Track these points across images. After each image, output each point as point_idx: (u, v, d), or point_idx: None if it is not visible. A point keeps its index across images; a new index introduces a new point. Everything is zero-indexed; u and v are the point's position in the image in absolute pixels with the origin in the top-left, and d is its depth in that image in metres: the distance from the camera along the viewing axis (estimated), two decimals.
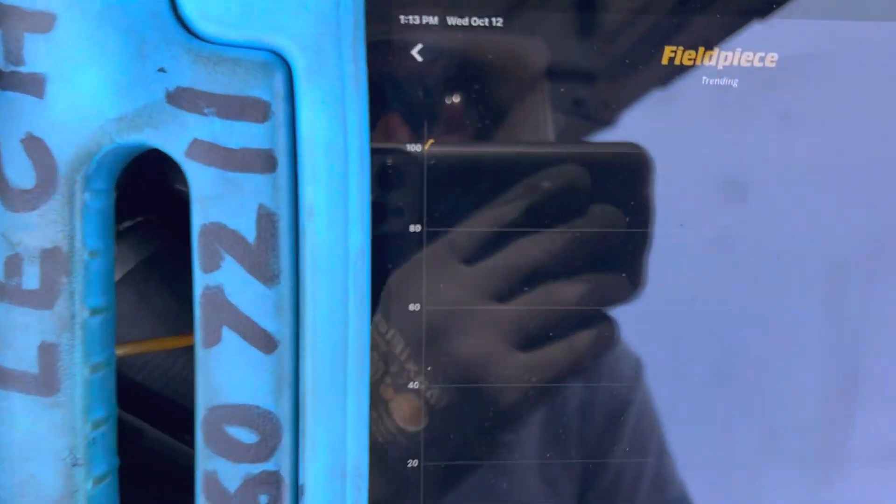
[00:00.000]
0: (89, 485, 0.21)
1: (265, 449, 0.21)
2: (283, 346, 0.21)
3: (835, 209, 0.23)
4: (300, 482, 0.21)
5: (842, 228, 0.23)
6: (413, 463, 0.23)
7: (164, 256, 0.34)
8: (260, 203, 0.20)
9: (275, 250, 0.20)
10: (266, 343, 0.21)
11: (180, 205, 0.30)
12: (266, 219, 0.20)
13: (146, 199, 0.34)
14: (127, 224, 0.34)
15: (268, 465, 0.21)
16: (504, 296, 0.22)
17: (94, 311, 0.21)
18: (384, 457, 0.23)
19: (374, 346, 0.22)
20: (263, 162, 0.20)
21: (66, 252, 0.20)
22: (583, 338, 0.23)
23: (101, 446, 0.21)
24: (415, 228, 0.22)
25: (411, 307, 0.22)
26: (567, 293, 0.22)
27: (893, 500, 0.25)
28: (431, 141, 0.22)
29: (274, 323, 0.20)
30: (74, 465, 0.21)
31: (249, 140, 0.20)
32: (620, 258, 0.23)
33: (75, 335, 0.20)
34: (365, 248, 0.20)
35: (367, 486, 0.22)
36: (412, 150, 0.22)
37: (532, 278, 0.22)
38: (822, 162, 0.23)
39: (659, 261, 0.23)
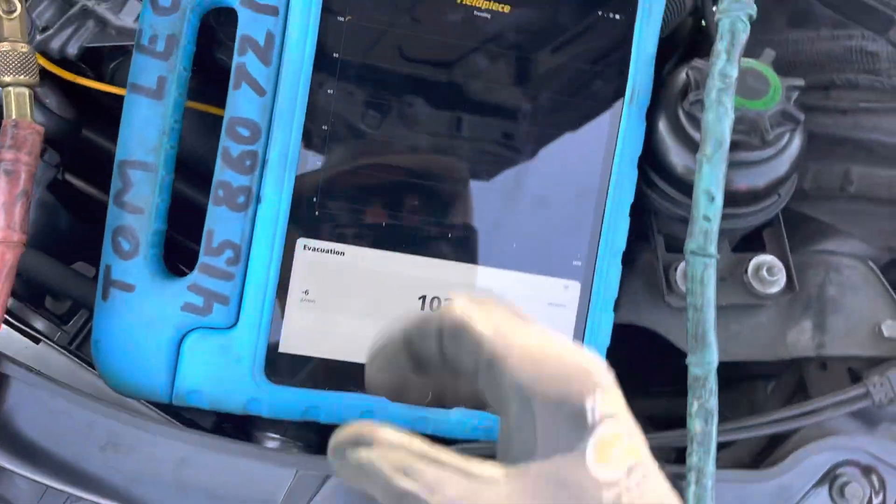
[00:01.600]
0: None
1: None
2: (268, 95, 0.45)
3: None
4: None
5: None
6: None
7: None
8: (268, 29, 0.45)
9: (270, 51, 0.45)
10: (262, 91, 0.45)
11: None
12: (269, 36, 0.45)
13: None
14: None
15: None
16: None
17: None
18: None
19: None
20: (273, 10, 0.45)
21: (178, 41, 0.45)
22: None
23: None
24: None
25: None
26: None
27: None
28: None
29: (266, 82, 0.45)
30: None
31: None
32: None
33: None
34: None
35: None
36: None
37: None
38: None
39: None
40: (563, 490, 0.27)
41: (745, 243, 0.53)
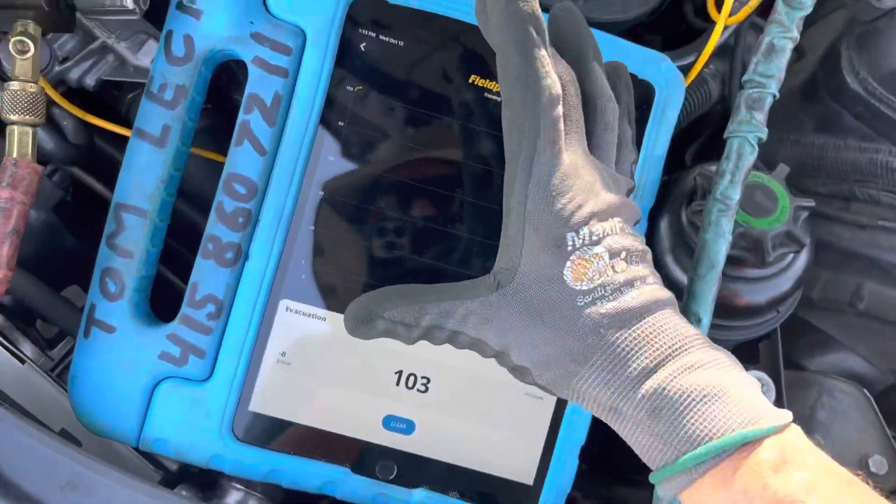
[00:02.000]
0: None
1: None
2: (269, 154, 0.45)
3: None
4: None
5: None
6: None
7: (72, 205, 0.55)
8: (276, 90, 0.45)
9: (276, 112, 0.45)
10: (262, 150, 0.45)
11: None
12: (276, 97, 0.45)
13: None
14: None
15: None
16: None
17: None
18: None
19: None
20: (283, 72, 0.45)
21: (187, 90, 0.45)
22: None
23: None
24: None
25: None
26: None
27: None
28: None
29: (268, 142, 0.45)
30: None
31: (279, 61, 0.45)
32: None
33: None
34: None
35: None
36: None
37: None
38: None
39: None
40: (541, 297, 0.36)
41: (738, 353, 0.52)
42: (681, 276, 0.47)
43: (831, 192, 0.55)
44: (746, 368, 0.48)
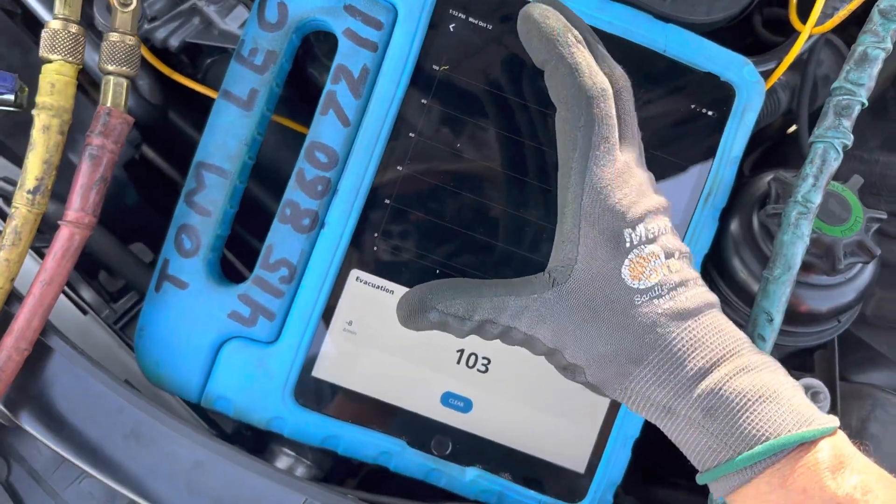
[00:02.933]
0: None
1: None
2: (353, 126, 0.46)
3: None
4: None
5: None
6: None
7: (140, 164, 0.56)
8: (364, 63, 0.46)
9: (363, 85, 0.46)
10: (347, 121, 0.46)
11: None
12: (364, 70, 0.46)
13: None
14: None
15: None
16: None
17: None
18: None
19: None
20: (372, 46, 0.46)
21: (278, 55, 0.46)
22: None
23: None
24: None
25: None
26: None
27: None
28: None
29: (353, 113, 0.46)
30: None
31: (370, 35, 0.46)
32: None
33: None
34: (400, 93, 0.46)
35: None
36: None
37: None
38: None
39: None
40: (598, 295, 0.37)
41: (793, 360, 0.52)
42: (747, 279, 0.47)
43: (891, 211, 0.55)
44: (801, 377, 0.49)
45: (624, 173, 0.37)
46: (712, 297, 0.38)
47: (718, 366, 0.36)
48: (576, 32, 0.38)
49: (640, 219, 0.37)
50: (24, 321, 0.41)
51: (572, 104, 0.37)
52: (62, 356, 0.44)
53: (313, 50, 0.56)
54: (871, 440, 0.49)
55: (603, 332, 0.37)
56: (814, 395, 0.48)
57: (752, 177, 0.50)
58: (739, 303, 0.49)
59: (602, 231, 0.36)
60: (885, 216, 0.45)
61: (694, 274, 0.38)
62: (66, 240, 0.42)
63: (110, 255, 0.51)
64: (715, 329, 0.36)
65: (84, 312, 0.52)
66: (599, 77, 0.37)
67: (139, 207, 0.57)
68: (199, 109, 0.55)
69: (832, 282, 0.46)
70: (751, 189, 0.49)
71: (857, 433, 0.50)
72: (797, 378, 0.49)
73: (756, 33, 0.60)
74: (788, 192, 0.45)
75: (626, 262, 0.36)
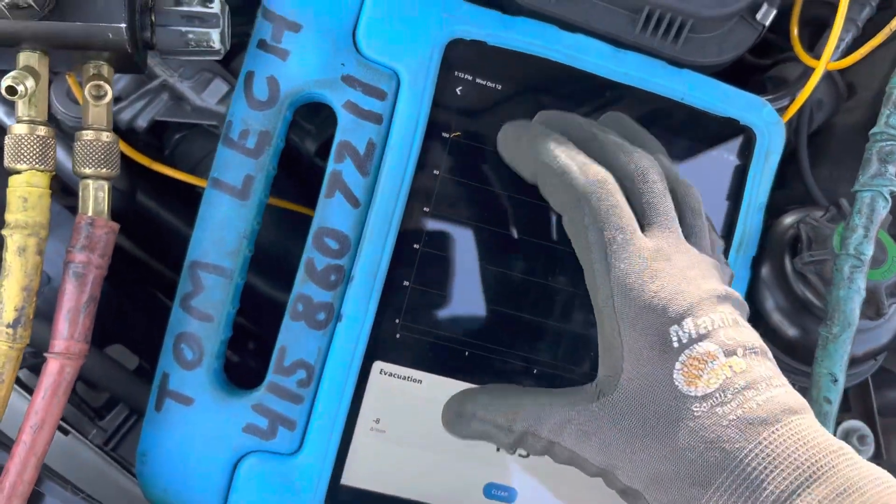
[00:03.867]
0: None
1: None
2: (362, 206, 0.42)
3: None
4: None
5: None
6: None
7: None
8: (370, 137, 0.42)
9: (370, 161, 0.42)
10: (356, 202, 0.42)
11: None
12: (370, 145, 0.42)
13: None
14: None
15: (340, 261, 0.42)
16: None
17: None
18: None
19: None
20: (376, 118, 0.42)
21: (271, 137, 0.41)
22: None
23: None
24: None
25: None
26: None
27: None
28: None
29: (362, 193, 0.42)
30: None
31: (373, 106, 0.42)
32: None
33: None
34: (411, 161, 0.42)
35: None
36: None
37: None
38: None
39: None
40: (648, 407, 0.32)
41: None
42: (786, 328, 0.45)
43: None
44: (842, 419, 0.48)
45: (656, 261, 0.33)
46: (796, 401, 0.32)
47: (808, 487, 0.29)
48: (556, 136, 0.36)
49: (686, 311, 0.32)
50: (15, 475, 0.35)
51: (572, 206, 0.35)
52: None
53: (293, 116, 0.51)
54: None
55: (657, 450, 0.32)
56: (860, 440, 0.47)
57: (775, 219, 0.48)
58: (773, 347, 0.47)
59: (643, 332, 0.32)
60: None
61: (768, 373, 0.32)
62: (57, 374, 0.36)
63: (87, 364, 0.46)
64: (799, 441, 0.30)
65: (65, 433, 0.46)
66: (593, 169, 0.35)
67: (113, 303, 0.51)
68: (169, 189, 0.50)
69: (869, 325, 0.45)
70: (777, 231, 0.47)
71: None
72: (840, 422, 0.48)
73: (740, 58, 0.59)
74: (820, 234, 0.44)
75: (678, 365, 0.32)
